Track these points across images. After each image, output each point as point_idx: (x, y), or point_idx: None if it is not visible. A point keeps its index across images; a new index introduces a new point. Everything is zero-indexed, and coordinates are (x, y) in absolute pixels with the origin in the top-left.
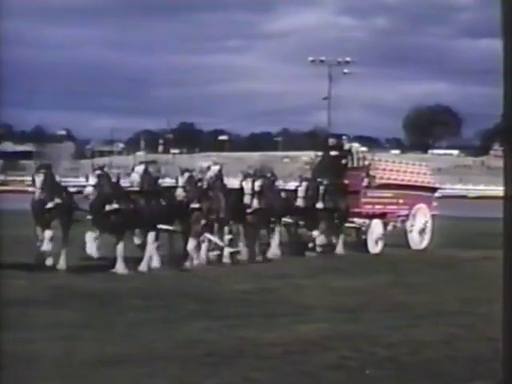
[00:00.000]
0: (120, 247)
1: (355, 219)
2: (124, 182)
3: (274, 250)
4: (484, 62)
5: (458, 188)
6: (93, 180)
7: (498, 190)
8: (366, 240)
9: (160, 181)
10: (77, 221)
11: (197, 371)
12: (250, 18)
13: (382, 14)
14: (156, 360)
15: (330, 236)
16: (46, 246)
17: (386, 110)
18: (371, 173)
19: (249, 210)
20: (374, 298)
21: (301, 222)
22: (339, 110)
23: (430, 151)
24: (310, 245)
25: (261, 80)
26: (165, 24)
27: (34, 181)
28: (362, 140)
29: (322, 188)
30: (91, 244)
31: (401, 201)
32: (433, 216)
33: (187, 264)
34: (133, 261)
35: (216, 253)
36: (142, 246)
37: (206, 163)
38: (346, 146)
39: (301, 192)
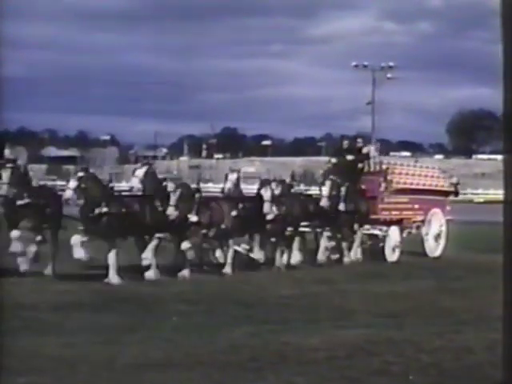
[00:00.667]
0: (112, 255)
1: (372, 226)
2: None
3: (296, 257)
4: None
5: (502, 193)
6: (73, 183)
7: None
8: (383, 247)
9: (202, 185)
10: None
11: (240, 376)
12: (294, 23)
13: (426, 19)
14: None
15: (345, 243)
16: (15, 247)
17: (429, 114)
18: (388, 177)
19: (268, 218)
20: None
21: (319, 229)
22: (383, 114)
23: (474, 156)
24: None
25: (304, 85)
26: (208, 29)
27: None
28: (406, 145)
29: (343, 191)
30: (78, 248)
31: (416, 206)
32: (447, 221)
33: (226, 270)
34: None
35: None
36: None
37: (245, 168)
38: (363, 150)
39: (325, 192)
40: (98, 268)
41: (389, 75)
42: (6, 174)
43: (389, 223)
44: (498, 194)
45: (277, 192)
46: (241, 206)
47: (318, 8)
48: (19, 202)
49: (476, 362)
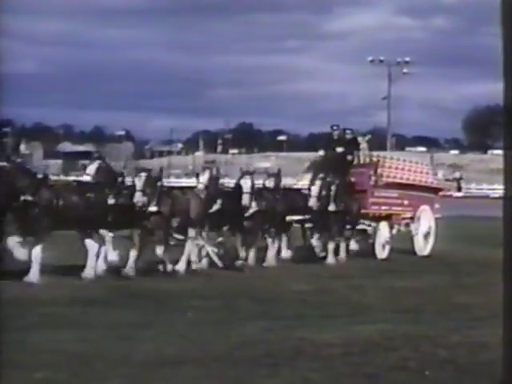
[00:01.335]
0: (36, 251)
1: (361, 221)
2: (180, 183)
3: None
4: None
5: None
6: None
7: None
8: (373, 244)
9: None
10: None
11: (255, 372)
12: (309, 18)
13: (441, 14)
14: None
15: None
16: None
17: (445, 110)
18: (379, 171)
19: (248, 211)
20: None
21: (309, 225)
22: (399, 110)
23: (489, 151)
24: (317, 250)
25: (320, 80)
26: (224, 24)
27: None
28: (422, 140)
29: (334, 187)
30: (17, 249)
31: (405, 202)
32: (436, 219)
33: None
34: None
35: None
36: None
37: (263, 164)
38: (353, 141)
39: (314, 192)
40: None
41: (405, 70)
42: (91, 167)
43: (378, 218)
44: None
45: (270, 185)
46: (217, 199)
47: (333, 3)
48: (111, 202)
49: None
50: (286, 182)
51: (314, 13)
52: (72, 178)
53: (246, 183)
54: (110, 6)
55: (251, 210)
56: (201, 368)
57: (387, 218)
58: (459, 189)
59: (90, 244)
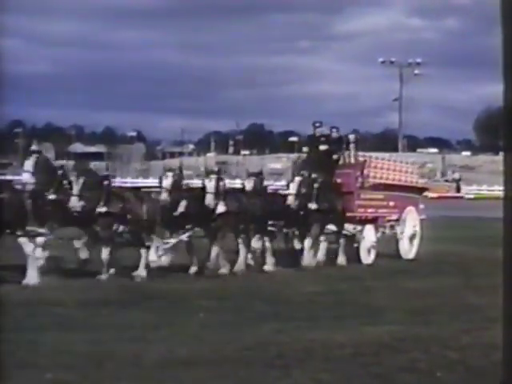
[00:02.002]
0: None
1: (346, 224)
2: (192, 184)
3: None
4: None
5: None
6: None
7: None
8: (358, 248)
9: (229, 182)
10: None
11: (267, 373)
12: (321, 19)
13: (453, 15)
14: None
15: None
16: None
17: (457, 111)
18: (365, 171)
19: (216, 212)
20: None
21: (288, 230)
22: (410, 111)
23: (501, 153)
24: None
25: (331, 81)
26: (235, 25)
27: None
28: (433, 141)
29: (316, 185)
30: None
31: (391, 203)
32: (421, 221)
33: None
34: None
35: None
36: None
37: (274, 165)
38: (339, 140)
39: (292, 189)
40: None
41: (416, 71)
42: (28, 162)
43: (364, 222)
44: None
45: (249, 186)
46: (181, 201)
47: (344, 4)
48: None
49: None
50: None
51: (326, 13)
52: None
53: (209, 183)
54: (122, 7)
55: (218, 212)
56: (212, 369)
57: (373, 220)
58: (458, 189)
59: (25, 243)
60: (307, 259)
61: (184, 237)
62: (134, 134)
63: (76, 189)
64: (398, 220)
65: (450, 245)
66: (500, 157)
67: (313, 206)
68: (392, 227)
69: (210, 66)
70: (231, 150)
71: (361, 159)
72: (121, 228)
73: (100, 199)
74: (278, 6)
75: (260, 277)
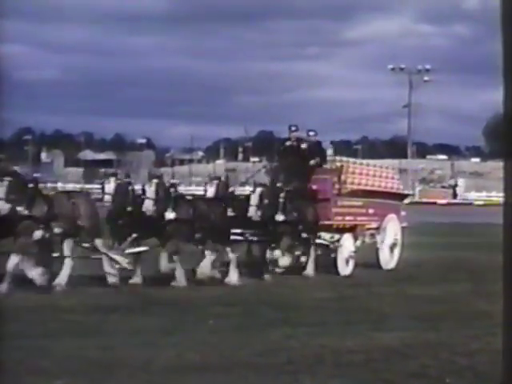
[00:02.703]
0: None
1: (323, 233)
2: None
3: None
4: None
5: None
6: None
7: None
8: (335, 259)
9: (239, 189)
10: None
11: (277, 379)
12: (330, 25)
13: (462, 21)
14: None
15: (294, 254)
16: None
17: (466, 117)
18: (343, 177)
19: (162, 222)
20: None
21: (254, 238)
22: (419, 117)
23: None
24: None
25: (340, 88)
26: (244, 31)
27: None
28: (443, 148)
29: (282, 195)
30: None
31: (371, 211)
32: (403, 229)
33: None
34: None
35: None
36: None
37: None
38: (316, 144)
39: (254, 200)
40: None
41: (425, 78)
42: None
43: (342, 230)
44: None
45: (210, 191)
46: (126, 207)
47: (354, 10)
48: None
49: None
50: None
51: (335, 20)
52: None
53: (149, 189)
54: (132, 14)
55: (167, 219)
56: (223, 375)
57: (351, 229)
58: (455, 196)
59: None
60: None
61: (141, 248)
62: (143, 140)
63: (1, 191)
64: (378, 228)
65: (459, 251)
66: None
67: (280, 217)
68: (372, 236)
69: (220, 72)
70: (240, 156)
71: (338, 164)
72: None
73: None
74: (287, 13)
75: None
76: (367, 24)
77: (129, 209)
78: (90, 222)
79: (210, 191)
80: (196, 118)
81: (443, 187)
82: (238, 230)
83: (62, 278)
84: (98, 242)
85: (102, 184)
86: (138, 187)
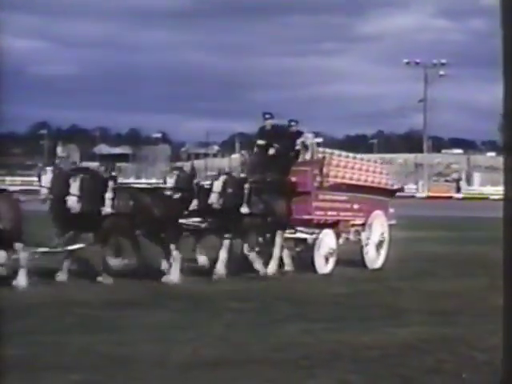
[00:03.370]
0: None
1: (301, 228)
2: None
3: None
4: None
5: None
6: None
7: None
8: (312, 256)
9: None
10: None
11: (293, 374)
12: (345, 20)
13: (478, 16)
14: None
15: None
16: None
17: (482, 111)
18: (325, 169)
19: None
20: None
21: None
22: (435, 112)
23: None
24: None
25: (356, 82)
26: (260, 27)
27: None
28: (458, 142)
29: (247, 186)
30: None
31: (356, 206)
32: (390, 226)
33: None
34: None
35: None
36: None
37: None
38: (296, 135)
39: (216, 187)
40: None
41: (441, 72)
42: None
43: (323, 226)
44: None
45: (169, 183)
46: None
47: (369, 5)
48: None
49: None
50: None
51: (351, 15)
52: None
53: (74, 184)
54: (148, 9)
55: (104, 213)
56: (238, 370)
57: (333, 225)
58: (458, 190)
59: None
60: (221, 270)
61: (76, 246)
62: (158, 135)
63: None
64: (363, 225)
65: (474, 245)
66: None
67: (244, 209)
68: (357, 233)
69: (235, 67)
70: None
71: (319, 156)
72: None
73: None
74: (303, 8)
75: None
76: (383, 19)
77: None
78: (9, 225)
79: (170, 182)
80: (211, 112)
81: (447, 181)
82: (197, 219)
83: (21, 279)
84: (18, 247)
85: (39, 175)
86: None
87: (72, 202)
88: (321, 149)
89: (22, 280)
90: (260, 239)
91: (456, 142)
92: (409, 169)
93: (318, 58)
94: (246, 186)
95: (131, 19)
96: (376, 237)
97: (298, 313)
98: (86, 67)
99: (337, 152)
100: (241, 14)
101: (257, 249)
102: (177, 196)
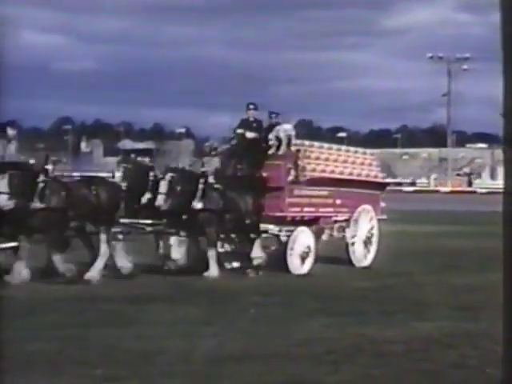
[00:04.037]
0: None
1: (271, 226)
2: None
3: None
4: None
5: None
6: None
7: None
8: (285, 255)
9: None
10: None
11: (316, 369)
12: (368, 14)
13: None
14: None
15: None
16: None
17: None
18: (300, 163)
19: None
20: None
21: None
22: (459, 106)
23: None
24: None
25: (379, 77)
26: (283, 21)
27: None
28: (482, 137)
29: (202, 181)
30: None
31: (339, 201)
32: (379, 221)
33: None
34: None
35: None
36: None
37: None
38: (271, 126)
39: (163, 187)
40: None
41: (464, 66)
42: None
43: (299, 223)
44: None
45: (117, 177)
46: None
47: None
48: None
49: None
50: None
51: (373, 9)
52: None
53: (1, 181)
54: (170, 4)
55: (34, 209)
56: (262, 364)
57: (313, 222)
58: (470, 184)
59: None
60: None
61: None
62: (182, 130)
63: None
64: (348, 221)
65: (498, 240)
66: None
67: (197, 205)
68: (342, 229)
69: (258, 61)
70: None
71: (293, 148)
72: None
73: None
74: (326, 2)
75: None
76: (406, 13)
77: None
78: None
79: (117, 176)
80: (235, 107)
81: (458, 175)
82: (143, 221)
83: None
84: None
85: None
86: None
87: (1, 200)
88: (299, 141)
89: None
90: (233, 237)
91: (480, 136)
92: (433, 163)
93: (341, 52)
94: (201, 180)
95: (155, 14)
96: (363, 233)
97: None
98: (109, 62)
99: (317, 144)
100: (264, 8)
101: (224, 247)
102: (120, 189)
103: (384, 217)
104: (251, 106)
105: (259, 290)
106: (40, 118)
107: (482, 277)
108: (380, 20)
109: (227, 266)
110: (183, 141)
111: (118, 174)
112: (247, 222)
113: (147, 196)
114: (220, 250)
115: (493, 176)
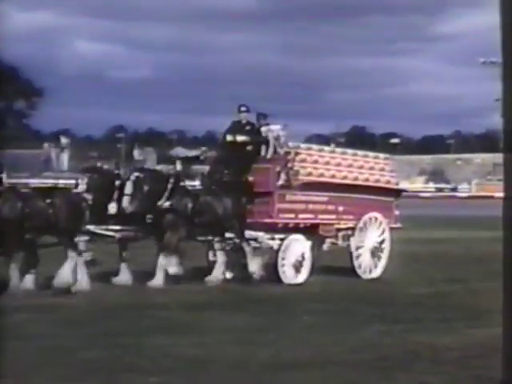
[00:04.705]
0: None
1: (261, 234)
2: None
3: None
4: None
5: None
6: None
7: None
8: (275, 265)
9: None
10: None
11: (371, 375)
12: (421, 20)
13: None
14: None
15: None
16: None
17: None
18: (293, 166)
19: None
20: None
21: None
22: None
23: None
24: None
25: (432, 82)
26: (336, 27)
27: None
28: None
29: (172, 181)
30: None
31: (341, 208)
32: (392, 230)
33: None
34: None
35: None
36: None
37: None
38: (260, 128)
39: (128, 189)
40: None
41: None
42: None
43: (292, 230)
44: None
45: (80, 187)
46: None
47: (445, 5)
48: None
49: None
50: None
51: (427, 15)
52: None
53: None
54: (223, 11)
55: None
56: (318, 372)
57: (310, 229)
58: None
59: None
60: (124, 278)
61: None
62: None
63: None
64: (353, 229)
65: None
66: None
67: (164, 203)
68: (346, 238)
69: (312, 68)
70: None
71: (283, 151)
72: None
73: None
74: (379, 8)
75: None
76: (459, 18)
77: None
78: None
79: (81, 186)
80: (288, 113)
81: (500, 180)
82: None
83: None
84: None
85: None
86: None
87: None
88: (294, 144)
89: None
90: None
91: None
92: (487, 168)
93: (393, 58)
94: (171, 180)
95: (208, 22)
96: (371, 242)
97: None
98: (162, 71)
99: (315, 147)
100: (316, 14)
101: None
102: (82, 198)
103: (399, 225)
104: (243, 109)
105: (315, 297)
106: (93, 126)
107: None
108: (432, 26)
109: (227, 275)
110: None
111: (82, 183)
112: (226, 226)
113: (113, 205)
114: (211, 258)
115: None
